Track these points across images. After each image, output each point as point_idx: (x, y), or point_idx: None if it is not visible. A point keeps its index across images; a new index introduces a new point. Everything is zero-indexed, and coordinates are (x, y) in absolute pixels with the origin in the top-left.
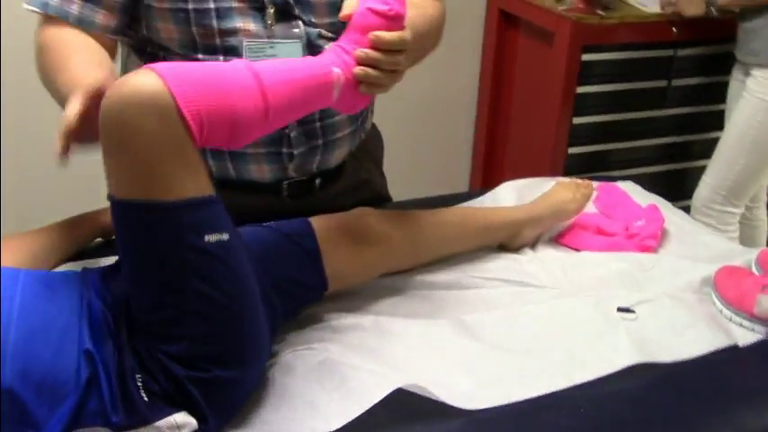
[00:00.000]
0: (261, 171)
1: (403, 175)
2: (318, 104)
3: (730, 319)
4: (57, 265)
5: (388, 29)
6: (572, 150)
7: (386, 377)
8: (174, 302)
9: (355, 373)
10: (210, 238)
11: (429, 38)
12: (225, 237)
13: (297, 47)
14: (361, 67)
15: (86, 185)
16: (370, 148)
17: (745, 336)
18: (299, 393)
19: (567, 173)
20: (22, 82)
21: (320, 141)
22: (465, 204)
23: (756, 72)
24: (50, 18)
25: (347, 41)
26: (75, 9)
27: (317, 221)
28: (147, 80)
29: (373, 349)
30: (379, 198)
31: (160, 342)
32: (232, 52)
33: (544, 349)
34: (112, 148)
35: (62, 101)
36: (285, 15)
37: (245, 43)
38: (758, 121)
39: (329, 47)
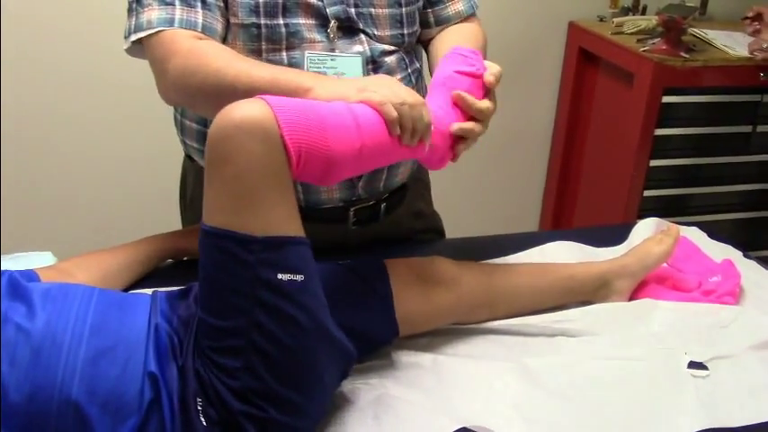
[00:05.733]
0: (330, 192)
1: (470, 212)
2: (409, 154)
3: None
4: (128, 283)
5: (475, 86)
6: (647, 193)
7: (441, 418)
8: (237, 332)
9: (411, 411)
10: (283, 276)
11: None
12: (299, 278)
13: (357, 61)
14: (462, 145)
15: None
16: (422, 175)
17: None
18: (354, 428)
19: (642, 216)
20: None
21: None
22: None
23: None
24: (167, 34)
25: (438, 100)
26: (200, 18)
27: (390, 264)
28: (256, 107)
29: (430, 389)
30: (433, 230)
31: (219, 372)
32: (296, 67)
33: (605, 401)
34: (214, 167)
35: (238, 86)
36: (348, 30)
37: (306, 54)
38: None
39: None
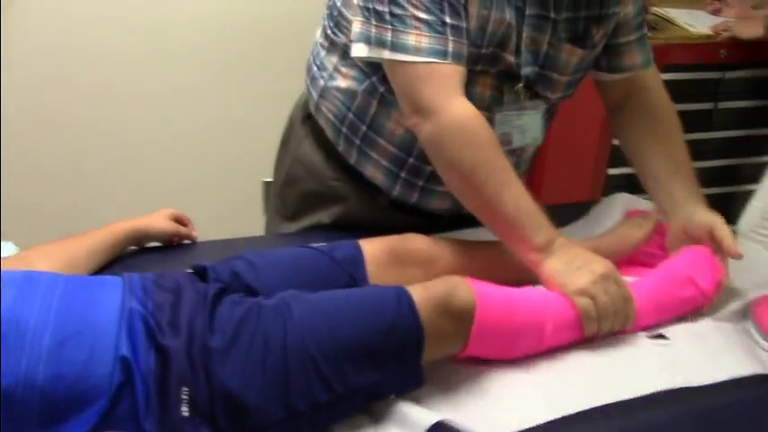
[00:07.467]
0: (443, 203)
1: None
2: None
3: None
4: (92, 270)
5: (693, 302)
6: (612, 171)
7: (420, 412)
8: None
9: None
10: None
11: None
12: (391, 397)
13: (538, 117)
14: None
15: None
16: None
17: None
18: (349, 423)
19: (607, 194)
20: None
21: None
22: None
23: None
24: (441, 69)
25: (651, 289)
26: (464, 50)
27: (366, 245)
28: (467, 295)
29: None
30: None
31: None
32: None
33: (570, 368)
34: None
35: (491, 197)
36: (528, 89)
37: (497, 117)
38: None
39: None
